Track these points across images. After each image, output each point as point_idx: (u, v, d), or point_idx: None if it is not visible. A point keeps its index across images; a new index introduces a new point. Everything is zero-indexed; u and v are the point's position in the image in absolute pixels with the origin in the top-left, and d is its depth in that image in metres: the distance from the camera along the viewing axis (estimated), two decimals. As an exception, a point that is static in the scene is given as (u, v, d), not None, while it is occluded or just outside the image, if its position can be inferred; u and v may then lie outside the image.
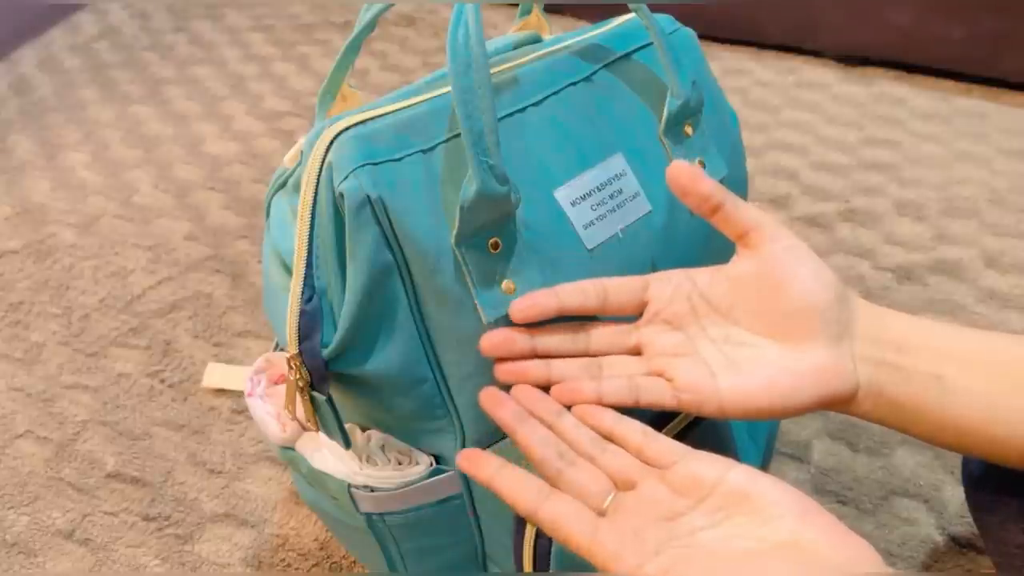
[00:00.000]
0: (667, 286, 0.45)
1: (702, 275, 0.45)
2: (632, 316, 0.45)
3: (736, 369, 0.42)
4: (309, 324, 0.45)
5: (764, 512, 0.37)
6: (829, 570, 0.34)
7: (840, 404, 0.42)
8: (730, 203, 0.42)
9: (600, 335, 0.45)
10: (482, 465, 0.42)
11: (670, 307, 0.45)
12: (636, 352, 0.45)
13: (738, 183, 0.57)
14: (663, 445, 0.41)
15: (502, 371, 0.44)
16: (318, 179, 0.44)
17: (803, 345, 0.41)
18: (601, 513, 0.40)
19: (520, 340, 0.43)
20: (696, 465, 0.39)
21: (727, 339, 0.43)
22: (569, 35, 0.54)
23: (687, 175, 0.42)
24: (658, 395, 0.42)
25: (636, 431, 0.42)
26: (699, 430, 0.52)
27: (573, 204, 0.47)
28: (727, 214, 0.43)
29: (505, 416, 0.42)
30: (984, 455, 0.43)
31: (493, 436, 0.48)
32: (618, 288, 0.45)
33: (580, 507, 0.39)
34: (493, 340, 0.43)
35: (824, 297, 0.41)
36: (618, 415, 0.42)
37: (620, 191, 0.49)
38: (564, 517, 0.39)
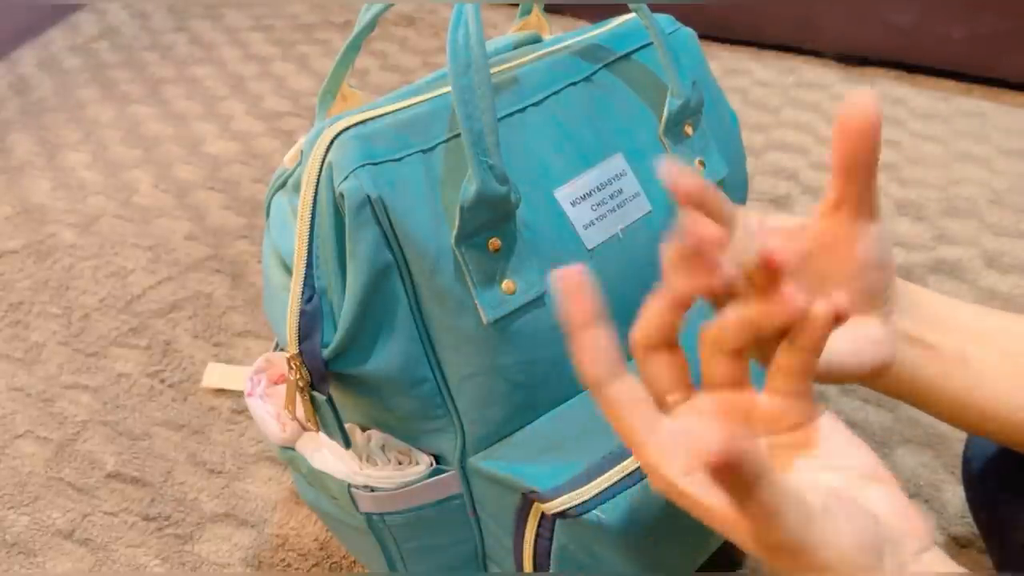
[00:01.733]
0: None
1: (777, 224, 0.41)
2: None
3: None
4: (309, 324, 0.45)
5: (836, 460, 0.35)
6: (886, 533, 0.32)
7: (875, 374, 0.41)
8: (875, 172, 0.38)
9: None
10: (582, 301, 0.32)
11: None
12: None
13: (738, 183, 0.57)
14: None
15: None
16: (318, 179, 0.44)
17: (860, 318, 0.40)
18: (664, 406, 0.36)
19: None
20: (781, 400, 0.36)
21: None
22: (569, 35, 0.54)
23: (869, 121, 0.36)
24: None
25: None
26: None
27: (573, 204, 0.47)
28: (865, 181, 0.38)
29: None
30: (1003, 439, 0.43)
31: (493, 436, 0.48)
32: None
33: (648, 401, 0.33)
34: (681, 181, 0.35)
35: (889, 282, 0.40)
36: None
37: (620, 191, 0.49)
38: (631, 401, 0.33)
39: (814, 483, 0.34)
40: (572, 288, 0.32)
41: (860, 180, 0.37)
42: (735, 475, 0.27)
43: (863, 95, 0.35)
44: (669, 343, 0.36)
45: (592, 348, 0.32)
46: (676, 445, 0.33)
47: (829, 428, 0.36)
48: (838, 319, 0.34)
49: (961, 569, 0.33)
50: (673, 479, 0.32)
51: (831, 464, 0.35)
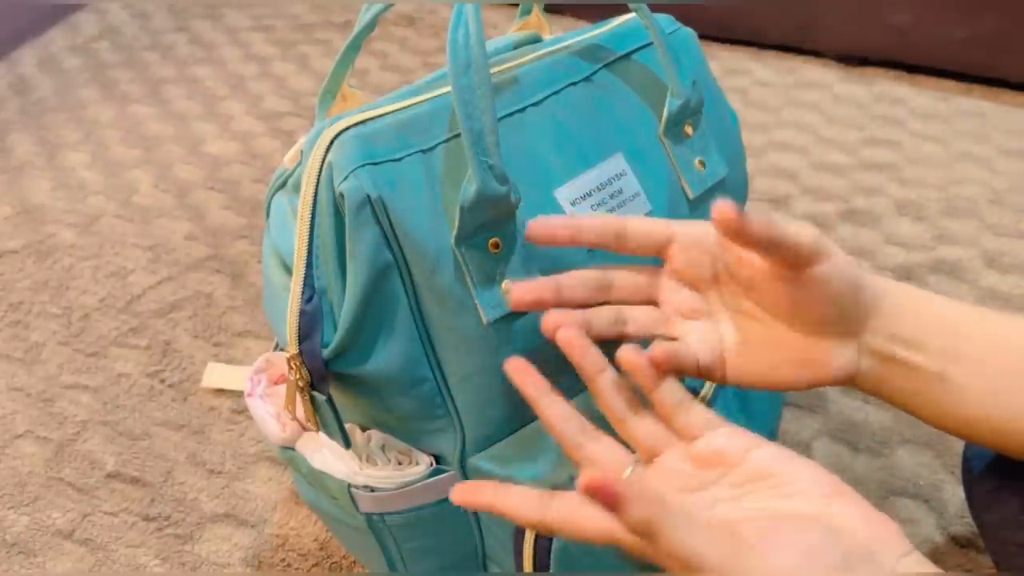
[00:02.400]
0: (692, 247, 0.43)
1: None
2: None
3: (745, 343, 0.43)
4: (309, 324, 0.45)
5: (787, 487, 0.37)
6: (854, 544, 0.34)
7: (832, 384, 0.43)
8: (777, 229, 0.39)
9: (623, 280, 0.45)
10: (479, 493, 0.41)
11: (693, 269, 0.44)
12: (653, 301, 0.45)
13: (738, 183, 0.57)
14: (694, 416, 0.41)
15: (547, 322, 0.43)
16: (318, 179, 0.44)
17: (812, 337, 0.42)
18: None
19: (547, 294, 0.43)
20: (721, 440, 0.40)
21: (740, 309, 0.43)
22: (569, 35, 0.54)
23: (730, 218, 0.38)
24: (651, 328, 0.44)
25: (673, 396, 0.41)
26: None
27: (573, 204, 0.47)
28: (779, 243, 0.39)
29: (528, 389, 0.42)
30: (986, 444, 0.43)
31: (493, 436, 0.48)
32: (637, 231, 0.43)
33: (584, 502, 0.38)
34: (520, 294, 0.42)
35: (844, 301, 0.41)
36: (656, 375, 0.42)
37: (620, 191, 0.49)
38: (573, 511, 0.38)
39: (755, 515, 0.37)
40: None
41: (778, 242, 0.39)
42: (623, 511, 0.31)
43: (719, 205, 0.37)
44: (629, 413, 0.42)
45: (512, 497, 0.40)
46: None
47: (779, 457, 0.38)
48: (656, 365, 0.40)
49: (940, 571, 0.34)
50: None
51: (790, 490, 0.37)
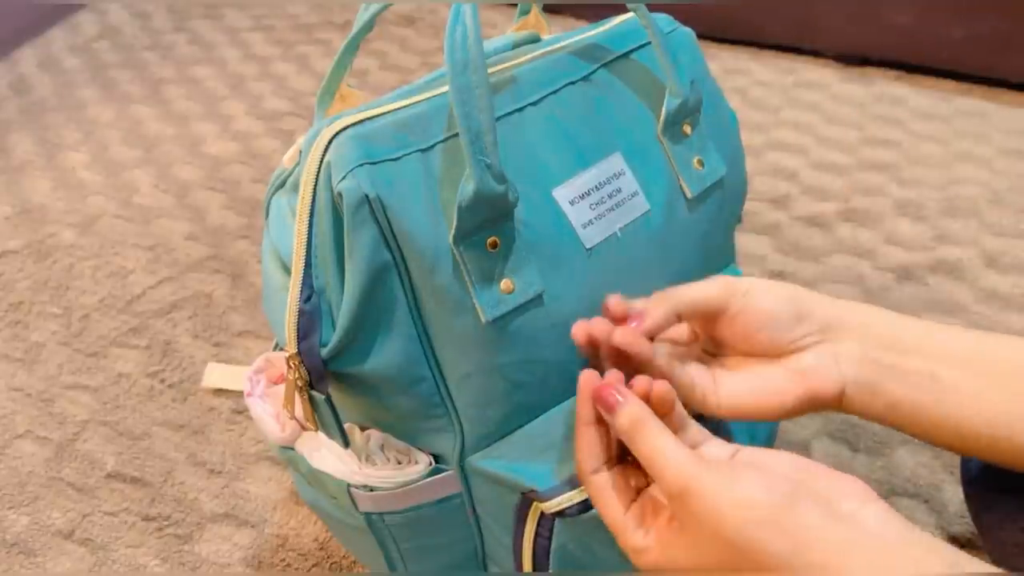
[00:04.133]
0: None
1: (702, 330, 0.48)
2: None
3: (731, 377, 0.46)
4: (308, 323, 0.45)
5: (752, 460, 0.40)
6: (813, 486, 0.36)
7: (828, 403, 0.44)
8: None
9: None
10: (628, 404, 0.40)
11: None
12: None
13: (737, 183, 0.57)
14: (689, 433, 0.43)
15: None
16: (316, 179, 0.44)
17: (779, 359, 0.45)
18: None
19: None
20: (708, 448, 0.42)
21: (721, 361, 0.47)
22: (568, 35, 0.54)
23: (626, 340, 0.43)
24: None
25: (678, 418, 0.43)
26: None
27: (572, 203, 0.47)
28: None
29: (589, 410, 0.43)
30: (980, 456, 0.43)
31: (492, 435, 0.48)
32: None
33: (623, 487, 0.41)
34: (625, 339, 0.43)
35: (783, 322, 0.44)
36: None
37: (619, 190, 0.49)
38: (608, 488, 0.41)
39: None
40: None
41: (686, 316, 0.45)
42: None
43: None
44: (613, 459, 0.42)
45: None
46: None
47: (759, 453, 0.41)
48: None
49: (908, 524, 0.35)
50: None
51: (752, 460, 0.40)
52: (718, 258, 0.56)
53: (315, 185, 0.44)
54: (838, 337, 0.44)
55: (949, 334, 0.44)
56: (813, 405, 0.44)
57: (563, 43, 0.52)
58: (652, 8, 0.51)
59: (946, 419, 0.42)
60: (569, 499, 0.45)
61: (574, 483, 0.45)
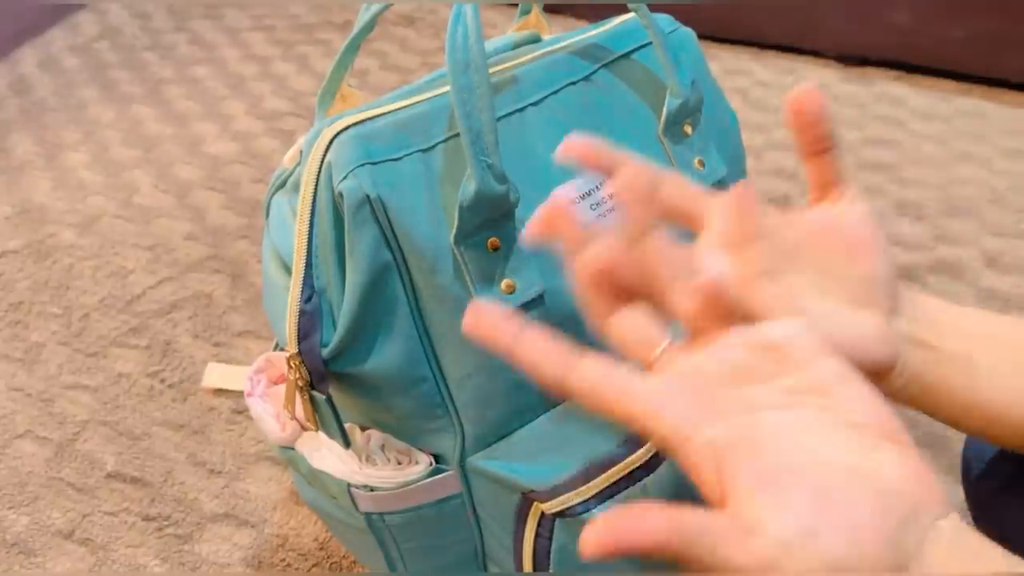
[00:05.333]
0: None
1: (770, 212, 0.39)
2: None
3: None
4: (308, 323, 0.45)
5: (839, 415, 0.32)
6: (901, 507, 0.30)
7: (877, 376, 0.39)
8: (837, 150, 0.38)
9: (672, 188, 0.38)
10: (500, 328, 0.32)
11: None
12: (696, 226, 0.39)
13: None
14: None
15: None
16: (317, 179, 0.44)
17: (861, 311, 0.39)
18: (649, 366, 0.33)
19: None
20: (791, 333, 0.33)
21: (782, 280, 0.39)
22: (568, 35, 0.54)
23: (814, 107, 0.37)
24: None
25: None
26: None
27: (572, 203, 0.47)
28: (829, 161, 0.38)
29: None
30: (1009, 442, 0.43)
31: (492, 435, 0.48)
32: (672, 189, 0.38)
33: (618, 366, 0.32)
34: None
35: (888, 272, 0.40)
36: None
37: (619, 191, 0.49)
38: (600, 376, 0.31)
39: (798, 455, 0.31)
40: (484, 325, 0.32)
41: (819, 161, 0.39)
42: None
43: (805, 87, 0.37)
44: (630, 288, 0.33)
45: (533, 353, 0.32)
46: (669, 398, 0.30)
47: (844, 375, 0.32)
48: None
49: (980, 539, 0.30)
50: (675, 425, 0.30)
51: (843, 419, 0.32)
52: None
53: (316, 185, 0.44)
54: (900, 310, 0.40)
55: (980, 316, 0.42)
56: (874, 378, 0.37)
57: (564, 43, 0.52)
58: (653, 8, 0.51)
59: (976, 404, 0.41)
60: (569, 499, 0.45)
61: (574, 483, 0.45)
